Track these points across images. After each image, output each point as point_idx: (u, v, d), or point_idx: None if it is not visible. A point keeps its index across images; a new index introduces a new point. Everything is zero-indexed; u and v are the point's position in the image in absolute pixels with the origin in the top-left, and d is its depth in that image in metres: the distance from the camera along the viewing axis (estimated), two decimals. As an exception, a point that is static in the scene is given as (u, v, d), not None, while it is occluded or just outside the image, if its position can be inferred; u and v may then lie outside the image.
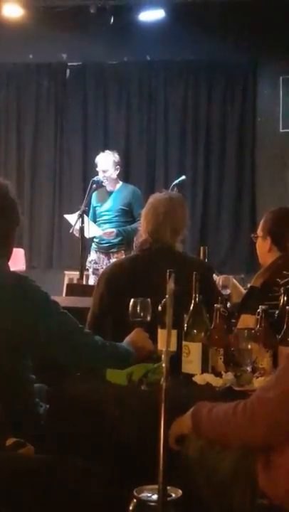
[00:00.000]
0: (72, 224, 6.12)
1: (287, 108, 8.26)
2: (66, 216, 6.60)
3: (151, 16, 7.57)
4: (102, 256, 6.36)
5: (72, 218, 6.28)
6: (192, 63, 8.53)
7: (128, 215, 6.30)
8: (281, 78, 8.28)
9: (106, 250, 6.33)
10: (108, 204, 6.37)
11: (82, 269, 6.10)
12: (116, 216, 6.32)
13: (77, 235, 6.02)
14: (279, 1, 6.75)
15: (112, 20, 7.63)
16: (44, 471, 2.07)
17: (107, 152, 6.42)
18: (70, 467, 2.08)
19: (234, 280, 3.59)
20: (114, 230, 6.24)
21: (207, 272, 3.08)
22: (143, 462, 1.76)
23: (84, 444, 2.21)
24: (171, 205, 3.16)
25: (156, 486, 1.56)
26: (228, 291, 3.42)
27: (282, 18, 7.35)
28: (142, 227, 3.17)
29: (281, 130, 8.30)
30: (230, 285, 3.48)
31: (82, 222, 5.90)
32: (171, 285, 1.61)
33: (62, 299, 4.50)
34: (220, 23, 7.64)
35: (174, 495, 1.62)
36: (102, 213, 6.37)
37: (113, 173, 6.33)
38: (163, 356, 1.61)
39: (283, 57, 8.06)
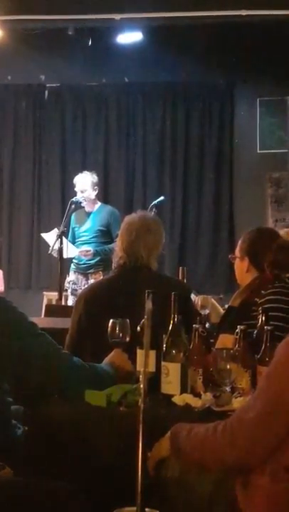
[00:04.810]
0: (49, 243, 6.12)
1: (265, 129, 8.33)
2: (43, 235, 6.61)
3: (129, 38, 7.62)
4: (80, 277, 6.35)
5: (48, 237, 6.28)
6: (170, 85, 8.59)
7: (106, 235, 6.30)
8: (258, 100, 8.36)
9: (84, 271, 6.33)
10: (87, 225, 6.37)
11: (61, 289, 6.09)
12: (94, 237, 6.33)
13: (55, 255, 6.01)
14: (255, 23, 6.82)
15: (90, 42, 7.68)
16: (22, 494, 2.05)
17: (86, 173, 6.44)
18: (48, 490, 2.05)
19: (213, 300, 3.60)
20: (91, 249, 6.24)
21: (185, 292, 3.09)
22: (122, 484, 1.74)
23: (62, 466, 2.18)
24: (145, 222, 3.19)
25: (134, 508, 1.55)
26: (206, 312, 3.42)
27: (258, 40, 7.44)
28: (117, 247, 3.19)
29: (258, 151, 8.37)
30: (209, 305, 3.49)
31: (61, 243, 5.90)
32: (149, 305, 1.61)
33: (41, 320, 4.47)
34: (197, 45, 7.71)
35: (152, 517, 1.61)
36: (81, 234, 6.38)
37: (91, 193, 6.34)
38: (141, 377, 1.60)
39: (260, 79, 8.15)
